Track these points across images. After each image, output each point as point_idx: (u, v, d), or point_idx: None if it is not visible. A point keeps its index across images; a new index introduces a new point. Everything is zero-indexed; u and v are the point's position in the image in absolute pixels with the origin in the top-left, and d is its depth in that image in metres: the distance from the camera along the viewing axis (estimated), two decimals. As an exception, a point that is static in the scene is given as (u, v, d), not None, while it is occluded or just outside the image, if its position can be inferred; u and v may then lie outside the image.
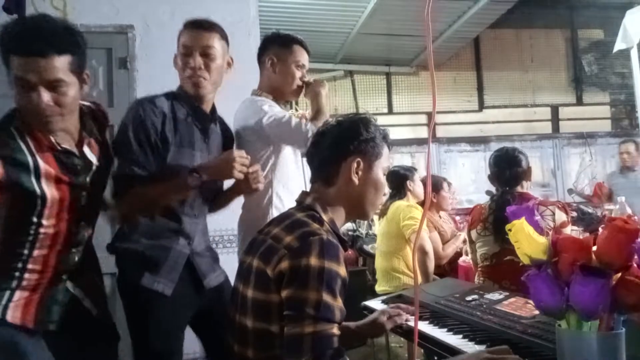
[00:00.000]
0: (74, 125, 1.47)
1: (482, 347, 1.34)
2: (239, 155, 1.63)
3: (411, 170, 3.54)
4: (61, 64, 1.33)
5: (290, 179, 1.99)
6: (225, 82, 1.80)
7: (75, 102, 1.43)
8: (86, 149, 1.50)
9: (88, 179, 1.50)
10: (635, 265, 0.94)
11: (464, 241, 3.22)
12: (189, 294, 1.70)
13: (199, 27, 1.71)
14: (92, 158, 1.52)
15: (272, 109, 1.89)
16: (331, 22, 5.55)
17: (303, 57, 2.02)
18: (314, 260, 1.10)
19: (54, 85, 1.34)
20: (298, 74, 2.00)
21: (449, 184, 4.26)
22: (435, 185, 3.74)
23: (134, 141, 1.60)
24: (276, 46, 2.01)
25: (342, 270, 1.14)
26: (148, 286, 1.62)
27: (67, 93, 1.36)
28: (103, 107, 1.67)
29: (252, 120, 1.89)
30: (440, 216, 3.80)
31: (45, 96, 1.33)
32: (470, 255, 2.75)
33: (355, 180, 1.28)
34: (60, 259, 1.46)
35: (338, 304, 1.12)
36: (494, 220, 2.48)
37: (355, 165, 1.28)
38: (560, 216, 2.41)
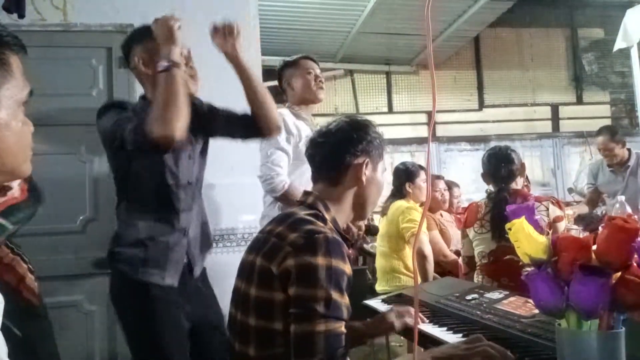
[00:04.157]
0: None
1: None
2: (166, 19, 1.67)
3: (417, 170, 3.34)
4: None
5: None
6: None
7: None
8: None
9: None
10: (635, 264, 0.94)
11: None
12: (182, 282, 1.74)
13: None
14: None
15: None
16: (331, 21, 5.55)
17: (310, 66, 2.35)
18: (320, 259, 1.10)
19: None
20: (311, 79, 2.32)
21: (457, 186, 4.23)
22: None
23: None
24: (287, 69, 2.36)
25: (348, 268, 1.15)
26: (158, 283, 1.64)
27: None
28: None
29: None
30: (441, 214, 3.78)
31: None
32: (462, 251, 2.76)
33: (363, 180, 1.30)
34: None
35: (345, 301, 1.13)
36: (491, 217, 2.50)
37: (364, 166, 1.30)
38: (554, 211, 2.45)
